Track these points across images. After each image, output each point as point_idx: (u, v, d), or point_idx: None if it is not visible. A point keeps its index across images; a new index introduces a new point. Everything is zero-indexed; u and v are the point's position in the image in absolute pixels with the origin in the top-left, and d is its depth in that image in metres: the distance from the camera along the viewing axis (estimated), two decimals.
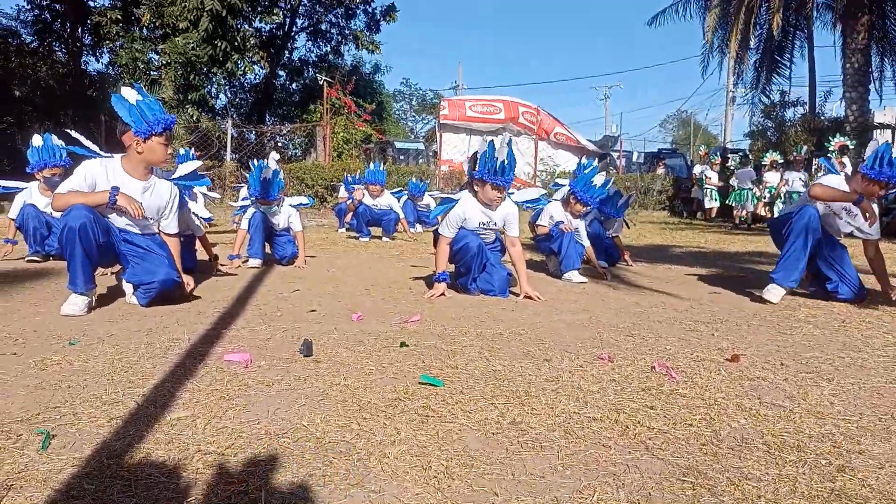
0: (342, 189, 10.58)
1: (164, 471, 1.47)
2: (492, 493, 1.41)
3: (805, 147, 13.81)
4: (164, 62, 16.43)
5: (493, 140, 3.97)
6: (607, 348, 2.70)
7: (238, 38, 17.16)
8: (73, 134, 3.68)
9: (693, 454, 1.63)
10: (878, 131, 16.92)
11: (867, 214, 3.87)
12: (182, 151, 7.21)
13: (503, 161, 3.88)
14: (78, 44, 22.14)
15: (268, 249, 5.54)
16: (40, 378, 2.12)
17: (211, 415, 1.82)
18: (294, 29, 23.40)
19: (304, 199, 6.01)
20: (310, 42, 24.42)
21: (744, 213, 13.34)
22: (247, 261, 5.35)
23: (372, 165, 8.87)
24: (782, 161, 13.65)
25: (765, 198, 13.28)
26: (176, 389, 2.03)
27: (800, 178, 12.53)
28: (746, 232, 11.72)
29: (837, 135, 13.29)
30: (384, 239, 8.37)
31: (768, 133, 17.76)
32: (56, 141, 5.45)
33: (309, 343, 2.54)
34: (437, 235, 4.20)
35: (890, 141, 4.01)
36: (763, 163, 13.68)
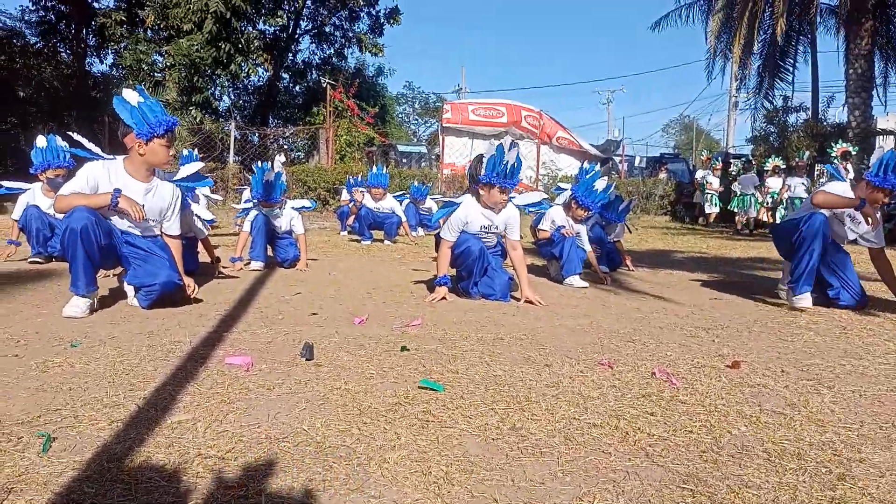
0: (344, 192, 10.60)
1: (165, 474, 1.47)
2: (492, 499, 1.41)
3: (807, 153, 13.78)
4: (168, 64, 16.48)
5: (501, 143, 3.97)
6: (608, 354, 2.70)
7: (242, 40, 17.22)
8: (75, 136, 3.69)
9: (693, 461, 1.63)
10: (881, 137, 16.91)
11: (869, 220, 3.88)
12: (185, 153, 7.24)
13: (512, 164, 3.90)
14: (82, 45, 22.21)
15: (270, 252, 5.55)
16: (41, 380, 2.12)
17: (211, 418, 1.82)
18: (298, 31, 23.48)
19: (306, 203, 6.02)
20: (313, 45, 24.54)
21: (745, 218, 13.32)
22: (248, 263, 5.36)
23: (374, 168, 8.88)
24: (784, 166, 13.64)
25: (767, 203, 13.26)
26: (177, 392, 2.03)
27: (802, 184, 12.51)
28: (748, 237, 11.72)
29: (840, 140, 13.28)
30: (386, 242, 8.38)
31: (771, 138, 17.75)
32: (60, 142, 5.46)
33: (310, 346, 2.54)
34: (438, 239, 4.20)
35: (893, 147, 4.02)
36: (765, 168, 13.67)
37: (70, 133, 4.03)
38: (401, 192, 10.40)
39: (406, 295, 4.20)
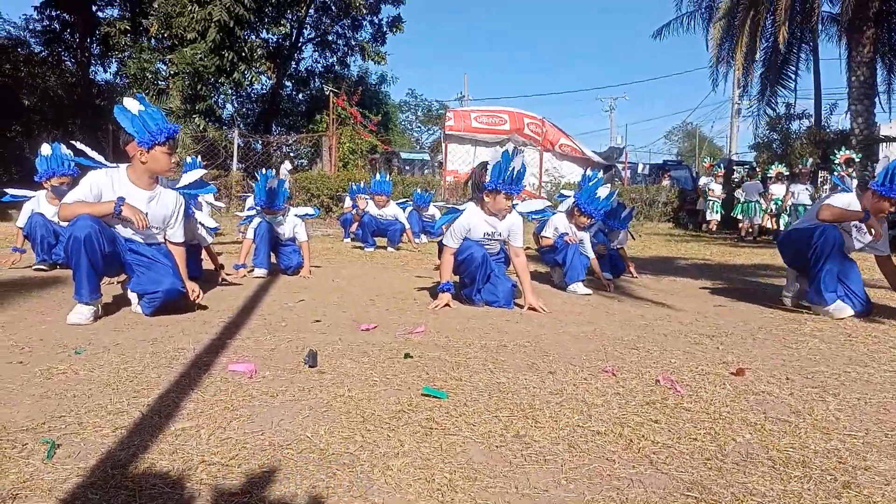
0: (347, 199, 10.62)
1: (168, 481, 1.47)
2: None
3: (811, 159, 13.78)
4: (171, 72, 16.57)
5: (506, 150, 3.99)
6: (612, 361, 2.70)
7: (245, 48, 17.30)
8: (78, 145, 3.71)
9: (697, 469, 1.63)
10: (885, 144, 16.89)
11: (873, 231, 3.91)
12: (189, 160, 7.26)
13: (518, 170, 3.91)
14: (86, 54, 22.37)
15: (273, 259, 5.56)
16: (46, 387, 2.12)
17: (215, 425, 1.82)
18: (301, 40, 23.60)
19: (309, 210, 6.03)
20: (316, 53, 24.70)
21: (750, 225, 13.30)
22: (252, 270, 5.37)
23: (378, 176, 8.90)
24: (788, 173, 13.63)
25: (771, 210, 13.26)
26: (180, 399, 2.03)
27: (805, 190, 12.51)
28: (752, 244, 11.70)
29: (843, 148, 13.27)
30: (389, 249, 8.39)
31: (774, 145, 17.75)
32: (64, 150, 5.49)
33: (314, 353, 2.54)
34: (441, 246, 4.21)
35: None
36: (769, 175, 13.67)
37: (73, 142, 4.05)
38: (404, 200, 10.42)
39: (409, 302, 4.20)
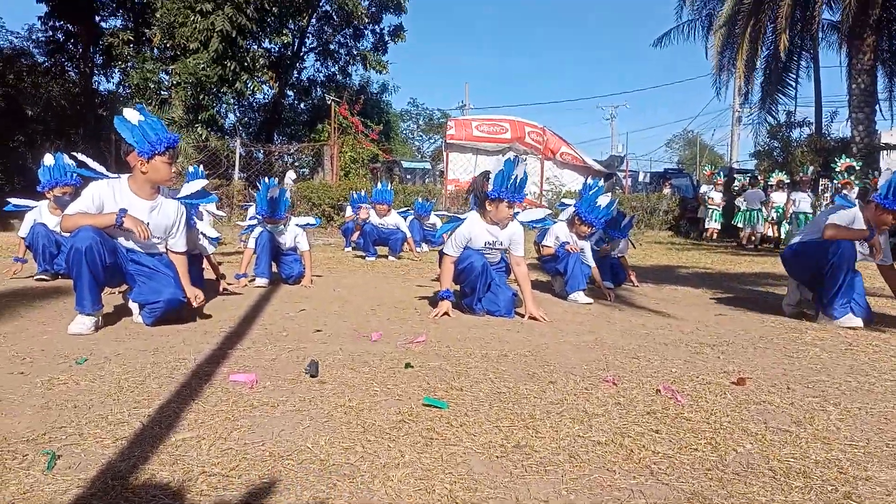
0: (349, 208, 10.64)
1: (169, 492, 1.47)
2: None
3: (811, 167, 13.79)
4: (174, 82, 16.65)
5: (509, 158, 4.00)
6: (612, 370, 2.69)
7: (247, 58, 17.39)
8: (80, 157, 3.72)
9: (698, 479, 1.62)
10: (885, 152, 16.91)
11: (874, 249, 3.95)
12: (191, 169, 7.28)
13: (520, 179, 3.93)
14: (90, 64, 22.48)
15: (274, 268, 5.56)
16: (47, 398, 2.13)
17: (216, 436, 1.82)
18: (303, 49, 23.71)
19: (310, 220, 6.04)
20: (318, 62, 24.81)
21: (751, 234, 13.30)
22: (253, 280, 5.38)
23: (379, 185, 8.92)
24: (788, 181, 13.64)
25: (772, 218, 13.26)
26: (181, 410, 2.04)
27: (806, 198, 12.52)
28: (753, 253, 11.69)
29: (844, 155, 13.28)
30: (390, 258, 8.40)
31: (774, 153, 17.77)
32: (67, 160, 5.51)
33: (315, 363, 2.55)
34: (442, 255, 4.21)
35: None
36: (770, 183, 13.68)
37: (75, 154, 4.06)
38: (405, 209, 10.43)
39: (410, 311, 4.20)
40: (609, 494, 1.53)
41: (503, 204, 3.99)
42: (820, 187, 14.39)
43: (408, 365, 2.67)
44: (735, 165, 24.63)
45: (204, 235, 4.68)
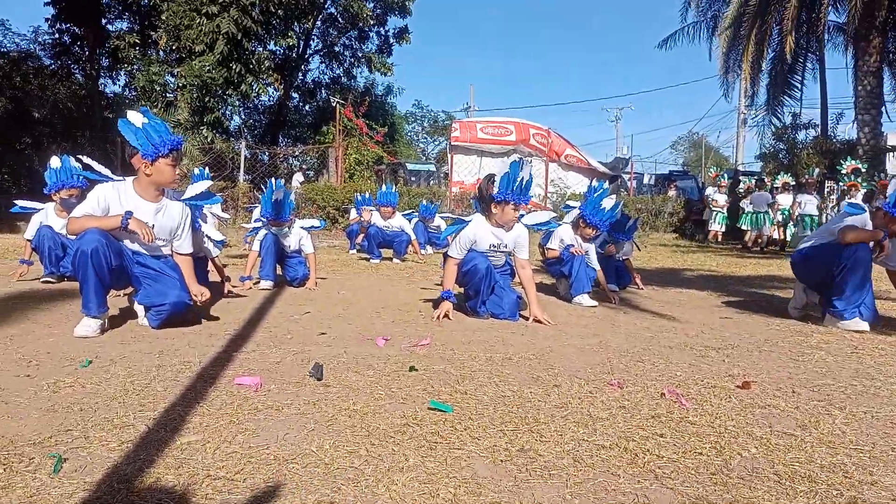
0: (353, 211, 10.65)
1: (174, 496, 1.48)
2: None
3: (817, 169, 13.76)
4: (180, 85, 16.69)
5: (514, 160, 4.01)
6: (617, 374, 2.69)
7: (253, 60, 17.43)
8: (85, 159, 3.74)
9: (703, 484, 1.62)
10: (891, 154, 16.85)
11: (881, 250, 3.94)
12: (197, 171, 7.30)
13: (526, 181, 3.94)
14: (96, 66, 22.58)
15: (279, 271, 5.57)
16: (53, 401, 2.14)
17: (220, 439, 1.83)
18: (308, 51, 23.76)
19: (315, 222, 6.05)
20: (323, 64, 24.88)
21: (757, 236, 13.26)
22: (258, 282, 5.39)
23: (384, 187, 8.93)
24: (794, 183, 13.60)
25: (778, 220, 13.22)
26: (186, 413, 2.04)
27: (812, 200, 12.47)
28: (759, 255, 11.66)
29: (850, 157, 13.25)
30: (395, 261, 8.40)
31: (780, 155, 17.73)
32: (73, 163, 5.53)
33: (320, 366, 2.55)
34: (446, 257, 4.22)
35: None
36: (775, 185, 13.64)
37: (80, 157, 4.08)
38: (410, 211, 10.44)
39: (415, 314, 4.20)
40: (613, 498, 1.53)
41: (509, 206, 3.99)
42: (826, 189, 14.36)
43: (412, 368, 2.67)
44: (741, 167, 24.60)
45: (209, 238, 4.69)
